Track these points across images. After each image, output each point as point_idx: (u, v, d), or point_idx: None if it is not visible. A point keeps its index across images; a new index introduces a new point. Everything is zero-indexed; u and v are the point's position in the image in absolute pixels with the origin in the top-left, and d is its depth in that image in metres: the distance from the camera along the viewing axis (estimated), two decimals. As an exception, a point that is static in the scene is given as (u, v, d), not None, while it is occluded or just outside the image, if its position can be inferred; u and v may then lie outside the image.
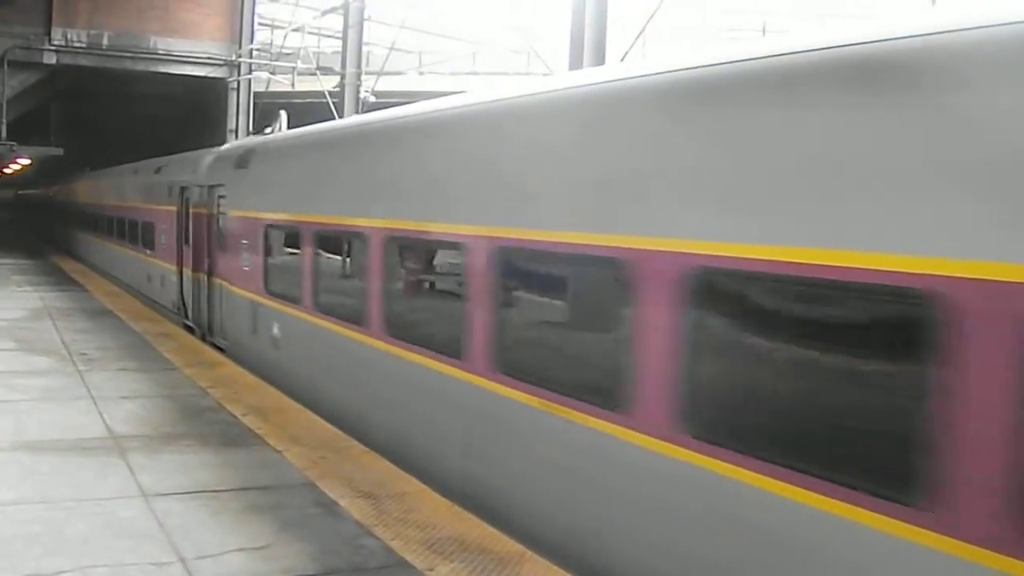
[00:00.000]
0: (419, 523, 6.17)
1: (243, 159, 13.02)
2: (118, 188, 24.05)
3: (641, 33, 11.98)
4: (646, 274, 5.17)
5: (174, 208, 16.75)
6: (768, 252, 4.42)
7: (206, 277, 14.54)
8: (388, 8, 32.04)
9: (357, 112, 22.85)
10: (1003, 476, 3.50)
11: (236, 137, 27.30)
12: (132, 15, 26.49)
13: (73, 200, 33.44)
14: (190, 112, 30.00)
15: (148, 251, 19.65)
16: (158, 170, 19.28)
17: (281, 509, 6.41)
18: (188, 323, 15.82)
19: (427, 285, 8.46)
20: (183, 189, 16.22)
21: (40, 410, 9.11)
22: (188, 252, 15.77)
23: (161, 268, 18.34)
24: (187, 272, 15.87)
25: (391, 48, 25.68)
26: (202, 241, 14.81)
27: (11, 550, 5.54)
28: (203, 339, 14.46)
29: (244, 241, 12.46)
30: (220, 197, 13.74)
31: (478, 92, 8.25)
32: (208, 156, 15.43)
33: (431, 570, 5.41)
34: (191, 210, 15.59)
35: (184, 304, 16.19)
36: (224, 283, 13.51)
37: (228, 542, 5.77)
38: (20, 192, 60.47)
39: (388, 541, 5.85)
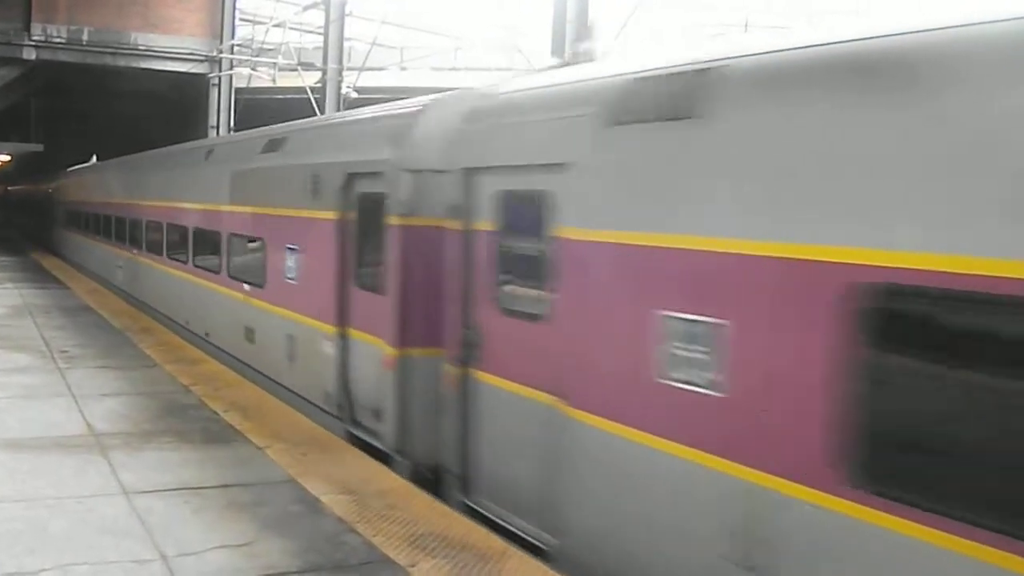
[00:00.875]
0: (401, 519, 6.19)
1: (671, 100, 5.08)
2: (170, 182, 16.65)
3: (623, 27, 12.06)
4: None
5: (326, 215, 9.28)
6: None
7: (458, 370, 7.07)
8: (369, 3, 32.00)
9: (338, 109, 22.59)
10: None
11: (218, 133, 27.04)
12: (112, 10, 26.36)
13: (84, 200, 25.53)
14: (171, 108, 29.86)
15: (249, 286, 11.76)
16: (271, 146, 11.44)
17: (263, 506, 6.42)
18: (367, 438, 8.48)
19: None
20: (352, 179, 8.89)
21: (20, 407, 9.06)
22: (375, 306, 8.32)
23: (287, 322, 10.39)
24: (366, 341, 8.59)
25: (372, 43, 25.60)
26: (431, 288, 7.55)
27: (-8, 548, 5.54)
28: (434, 490, 7.16)
29: (691, 316, 4.85)
30: (532, 199, 6.22)
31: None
32: (441, 107, 8.06)
33: (413, 566, 5.44)
34: (388, 221, 8.04)
35: (350, 399, 8.96)
36: (545, 399, 6.03)
37: (210, 539, 5.77)
38: (10, 188, 53.24)
39: (370, 537, 5.86)
